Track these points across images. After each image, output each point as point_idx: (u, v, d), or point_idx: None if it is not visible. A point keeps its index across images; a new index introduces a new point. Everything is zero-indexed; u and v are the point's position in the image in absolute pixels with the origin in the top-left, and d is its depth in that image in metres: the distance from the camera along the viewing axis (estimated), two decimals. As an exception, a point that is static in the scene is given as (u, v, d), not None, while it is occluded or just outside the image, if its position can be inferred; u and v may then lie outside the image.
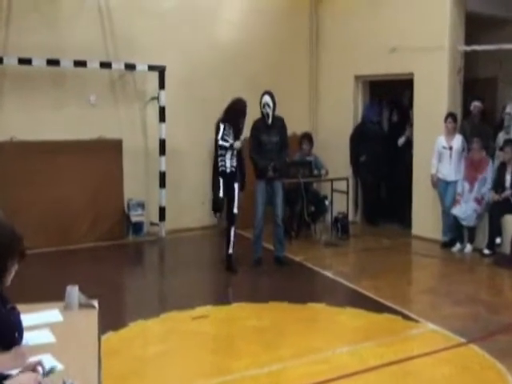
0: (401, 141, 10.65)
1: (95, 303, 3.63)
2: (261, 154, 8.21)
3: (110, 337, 5.75)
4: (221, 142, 7.89)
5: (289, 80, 11.12)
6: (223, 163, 7.96)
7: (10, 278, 2.88)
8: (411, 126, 10.33)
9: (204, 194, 10.41)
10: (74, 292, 3.58)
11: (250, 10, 11.03)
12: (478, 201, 9.00)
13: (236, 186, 8.03)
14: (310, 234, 10.26)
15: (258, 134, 8.24)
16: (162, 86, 9.83)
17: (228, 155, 7.97)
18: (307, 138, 10.61)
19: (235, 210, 8.02)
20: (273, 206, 8.36)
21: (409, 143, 10.38)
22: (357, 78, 11.12)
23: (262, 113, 8.26)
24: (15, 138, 9.02)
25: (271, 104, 8.20)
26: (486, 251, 8.80)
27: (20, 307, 3.04)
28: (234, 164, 8.02)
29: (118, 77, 9.88)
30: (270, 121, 8.24)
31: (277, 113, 8.30)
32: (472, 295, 7.22)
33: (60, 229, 9.31)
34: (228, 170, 7.98)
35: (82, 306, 3.58)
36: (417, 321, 6.34)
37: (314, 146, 10.63)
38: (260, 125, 8.27)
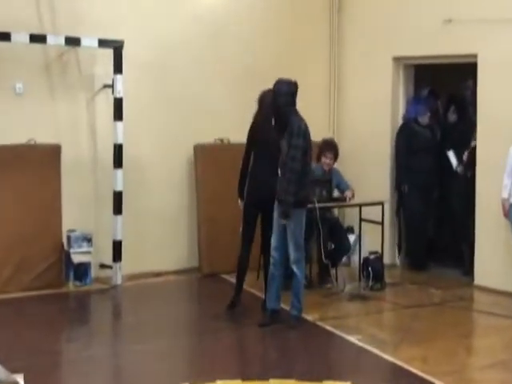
0: (454, 162, 10.62)
1: (20, 379, 3.64)
2: None
3: (40, 428, 5.75)
4: None
5: (300, 67, 11.14)
6: None
7: None
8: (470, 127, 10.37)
9: (178, 223, 10.44)
10: (-11, 363, 3.60)
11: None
12: None
13: None
14: (328, 282, 10.23)
15: None
16: (118, 69, 9.86)
17: None
18: (330, 146, 10.38)
19: None
20: None
21: (472, 155, 10.34)
22: (396, 60, 11.20)
23: None
24: None
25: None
26: None
27: None
28: None
29: (56, 56, 9.94)
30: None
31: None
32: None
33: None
34: None
35: (1, 383, 3.60)
36: (480, 408, 6.37)
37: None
38: None
